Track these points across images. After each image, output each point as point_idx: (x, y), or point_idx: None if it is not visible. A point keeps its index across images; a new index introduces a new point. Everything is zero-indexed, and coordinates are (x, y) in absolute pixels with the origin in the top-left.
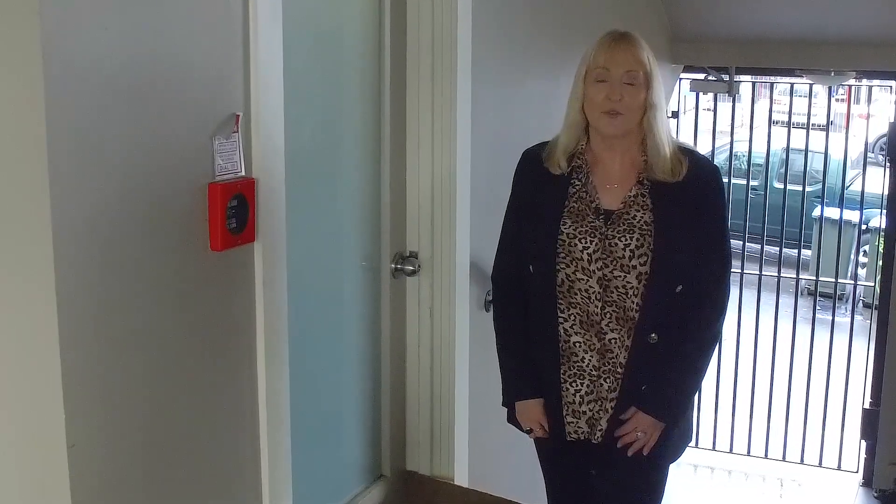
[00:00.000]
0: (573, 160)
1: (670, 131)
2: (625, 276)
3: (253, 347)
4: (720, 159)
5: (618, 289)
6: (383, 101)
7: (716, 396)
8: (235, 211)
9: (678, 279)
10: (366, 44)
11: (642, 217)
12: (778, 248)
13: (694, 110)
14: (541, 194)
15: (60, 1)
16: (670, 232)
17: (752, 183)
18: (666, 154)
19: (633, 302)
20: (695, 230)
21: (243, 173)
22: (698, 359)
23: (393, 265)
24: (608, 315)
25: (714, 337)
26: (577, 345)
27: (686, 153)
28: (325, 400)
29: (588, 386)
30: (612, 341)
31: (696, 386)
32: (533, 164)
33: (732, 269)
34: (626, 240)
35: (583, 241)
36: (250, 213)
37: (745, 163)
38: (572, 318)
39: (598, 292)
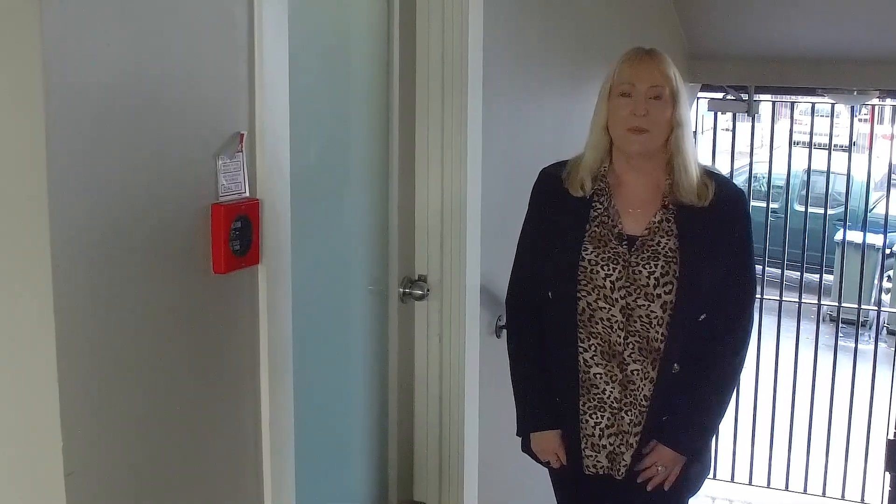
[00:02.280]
0: (595, 182)
1: (697, 153)
2: (649, 305)
3: (256, 373)
4: (739, 181)
5: (641, 318)
6: (391, 120)
7: (734, 426)
8: (239, 233)
9: (703, 308)
10: (374, 61)
11: (667, 244)
12: (799, 273)
13: (712, 130)
14: (560, 217)
15: (62, 16)
16: (696, 259)
17: (773, 205)
18: (693, 176)
19: (657, 332)
20: (720, 257)
21: (247, 194)
22: (722, 389)
23: (401, 289)
24: (631, 345)
25: (738, 366)
26: (598, 376)
27: (712, 176)
28: (330, 428)
29: (609, 419)
30: (635, 373)
31: (719, 418)
32: (552, 184)
33: None
34: (651, 267)
35: (605, 268)
36: (254, 235)
37: (765, 185)
38: (593, 347)
39: (621, 321)
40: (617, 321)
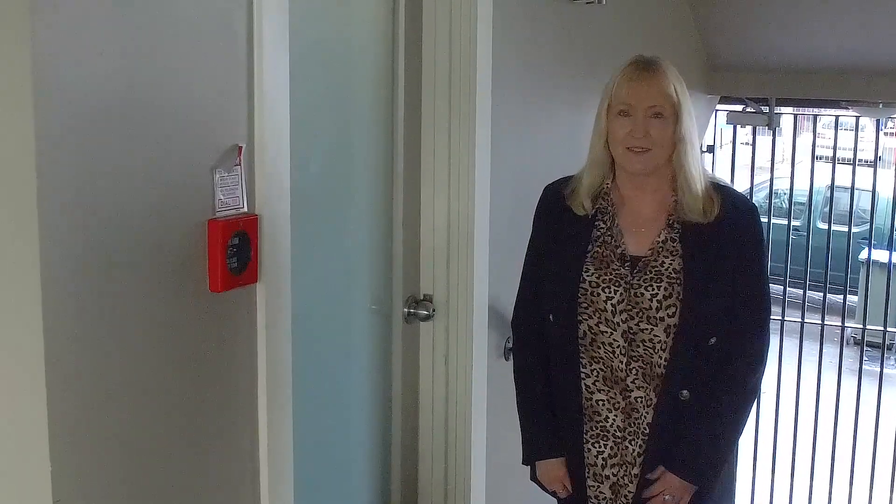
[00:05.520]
0: (598, 201)
1: (703, 167)
2: (651, 329)
3: (254, 397)
4: (759, 197)
5: (644, 343)
6: (396, 133)
7: (754, 453)
8: (237, 249)
9: (711, 331)
10: (378, 72)
11: (671, 264)
12: (822, 294)
13: (731, 144)
14: (562, 236)
15: (53, 24)
16: (701, 280)
17: (794, 223)
18: (698, 192)
19: (660, 357)
20: (729, 276)
21: (246, 209)
22: (734, 416)
23: (405, 309)
24: (634, 371)
25: (751, 393)
26: (601, 403)
27: (719, 190)
28: (331, 454)
29: (612, 448)
30: (638, 400)
31: (731, 446)
32: (554, 201)
33: (772, 317)
34: (654, 289)
35: (606, 290)
36: (253, 252)
37: (787, 201)
38: (595, 373)
39: (623, 346)
40: (619, 346)
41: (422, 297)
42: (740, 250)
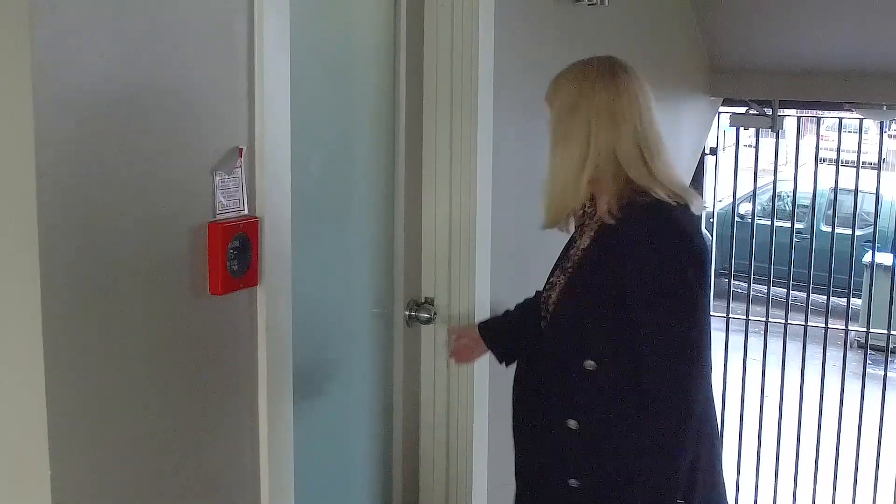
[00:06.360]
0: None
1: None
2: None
3: (255, 400)
4: (762, 199)
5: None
6: (397, 135)
7: (757, 458)
8: (237, 252)
9: (581, 352)
10: (380, 74)
11: (565, 277)
12: (825, 297)
13: (734, 147)
14: None
15: (53, 25)
16: (569, 291)
17: (798, 226)
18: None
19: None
20: (597, 293)
21: (246, 212)
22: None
23: (407, 312)
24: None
25: (660, 449)
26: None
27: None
28: (331, 458)
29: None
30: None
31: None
32: None
33: (774, 319)
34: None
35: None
36: (253, 255)
37: (790, 204)
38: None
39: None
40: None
41: (423, 301)
42: (628, 262)
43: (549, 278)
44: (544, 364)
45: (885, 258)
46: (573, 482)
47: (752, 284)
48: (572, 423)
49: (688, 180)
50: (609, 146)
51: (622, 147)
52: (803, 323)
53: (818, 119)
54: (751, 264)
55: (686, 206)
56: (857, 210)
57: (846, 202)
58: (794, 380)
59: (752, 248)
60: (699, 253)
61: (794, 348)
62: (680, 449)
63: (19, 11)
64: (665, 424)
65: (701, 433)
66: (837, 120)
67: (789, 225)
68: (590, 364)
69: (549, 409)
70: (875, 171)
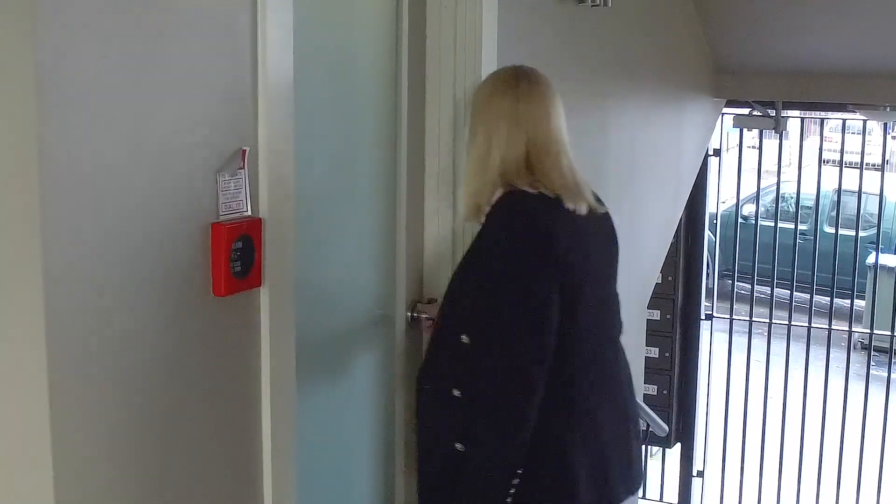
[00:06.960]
0: None
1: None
2: None
3: (258, 402)
4: (766, 201)
5: None
6: (400, 136)
7: (760, 459)
8: (240, 253)
9: (458, 327)
10: (382, 75)
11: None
12: (829, 299)
13: (737, 148)
14: None
15: (57, 27)
16: (457, 271)
17: (801, 227)
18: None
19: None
20: (472, 273)
21: (249, 213)
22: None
23: (409, 313)
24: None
25: (474, 441)
26: None
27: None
28: (334, 456)
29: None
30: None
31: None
32: None
33: (778, 321)
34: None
35: None
36: (256, 256)
37: (793, 205)
38: None
39: None
40: None
41: (426, 301)
42: (470, 252)
43: None
44: (438, 336)
45: (888, 259)
46: (459, 446)
47: (755, 286)
48: (456, 392)
49: (691, 182)
50: (503, 147)
51: (512, 148)
52: (807, 324)
53: (822, 120)
54: (754, 266)
55: (557, 199)
56: (861, 211)
57: (850, 203)
58: (797, 381)
59: (755, 249)
60: (538, 235)
61: (797, 350)
62: (516, 424)
63: (23, 14)
64: (502, 401)
65: (548, 407)
66: (841, 121)
67: (793, 226)
68: (464, 338)
69: (440, 378)
70: (879, 173)
